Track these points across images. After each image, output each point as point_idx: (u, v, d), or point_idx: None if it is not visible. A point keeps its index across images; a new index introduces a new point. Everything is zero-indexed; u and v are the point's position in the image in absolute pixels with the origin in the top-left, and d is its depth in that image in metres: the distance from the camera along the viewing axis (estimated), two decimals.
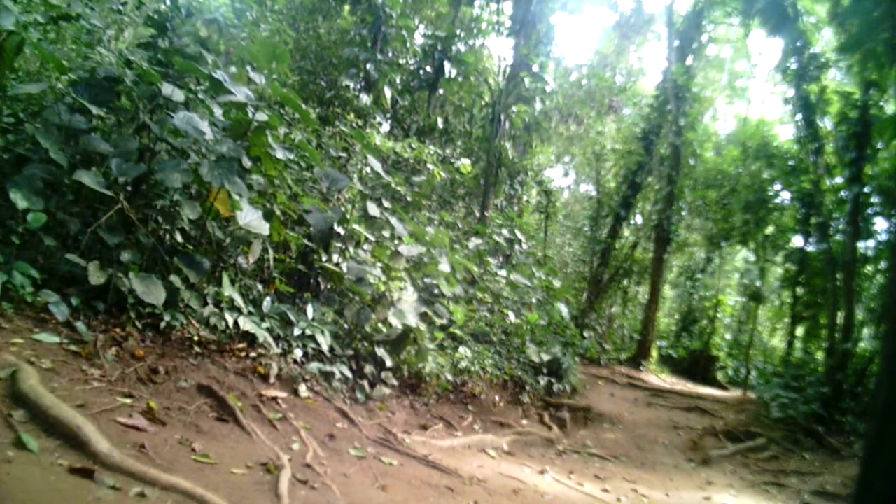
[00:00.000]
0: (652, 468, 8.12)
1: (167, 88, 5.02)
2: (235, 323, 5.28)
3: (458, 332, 8.48)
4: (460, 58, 14.11)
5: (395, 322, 6.84)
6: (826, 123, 12.84)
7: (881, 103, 11.31)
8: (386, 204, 8.42)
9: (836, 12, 10.63)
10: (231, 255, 5.99)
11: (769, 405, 11.25)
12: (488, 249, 11.52)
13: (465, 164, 12.95)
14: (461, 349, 8.42)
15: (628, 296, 22.60)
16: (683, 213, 19.70)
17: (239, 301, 5.39)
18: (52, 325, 4.15)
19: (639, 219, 22.29)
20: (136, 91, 5.15)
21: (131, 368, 4.17)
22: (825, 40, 13.00)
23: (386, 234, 7.95)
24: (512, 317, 10.12)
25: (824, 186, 12.92)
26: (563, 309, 12.21)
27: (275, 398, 5.07)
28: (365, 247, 7.66)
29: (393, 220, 7.54)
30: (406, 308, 7.09)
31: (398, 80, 13.81)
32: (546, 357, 10.26)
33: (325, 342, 6.07)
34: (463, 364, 8.16)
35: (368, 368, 6.63)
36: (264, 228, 5.28)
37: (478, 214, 13.89)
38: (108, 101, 5.03)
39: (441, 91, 14.88)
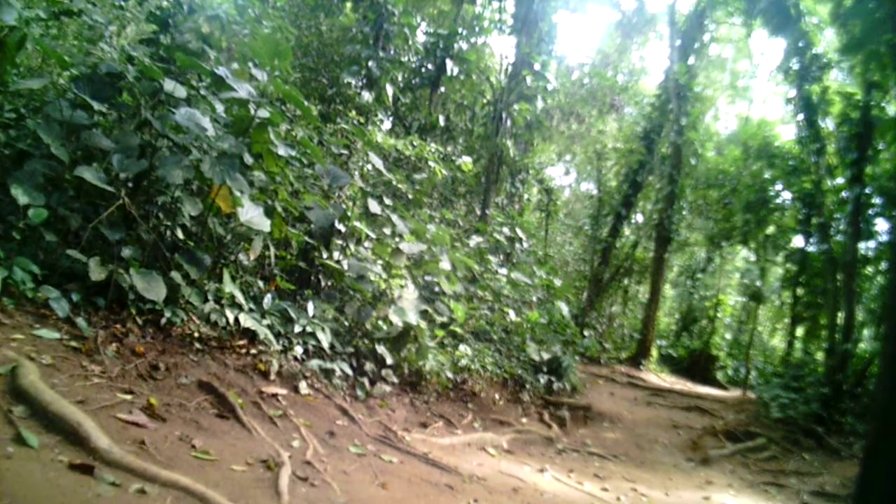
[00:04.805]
0: (651, 467, 8.13)
1: (169, 84, 5.01)
2: (236, 319, 5.28)
3: (458, 330, 8.48)
4: (462, 56, 14.09)
5: (396, 319, 6.84)
6: (828, 124, 12.83)
7: (883, 104, 11.31)
8: (387, 201, 8.43)
9: (839, 13, 10.60)
10: (232, 252, 5.98)
11: (769, 405, 11.25)
12: (489, 247, 11.51)
13: (466, 161, 12.92)
14: (461, 347, 8.42)
15: (629, 295, 22.63)
16: (684, 212, 19.71)
17: (240, 298, 5.39)
18: (53, 321, 4.15)
19: (640, 218, 22.31)
20: (138, 87, 5.15)
21: (132, 365, 4.17)
22: (827, 41, 12.97)
23: (387, 231, 7.95)
24: (512, 315, 10.11)
25: (825, 187, 12.91)
26: (564, 307, 12.20)
27: (275, 395, 5.07)
28: (366, 244, 7.66)
29: (394, 218, 7.54)
30: (407, 306, 7.09)
31: (400, 78, 13.78)
32: (546, 355, 10.26)
33: (325, 339, 6.07)
34: (463, 362, 8.17)
35: (369, 366, 6.63)
36: (265, 225, 5.28)
37: (479, 212, 13.88)
38: (109, 96, 5.02)
39: (443, 89, 14.85)
